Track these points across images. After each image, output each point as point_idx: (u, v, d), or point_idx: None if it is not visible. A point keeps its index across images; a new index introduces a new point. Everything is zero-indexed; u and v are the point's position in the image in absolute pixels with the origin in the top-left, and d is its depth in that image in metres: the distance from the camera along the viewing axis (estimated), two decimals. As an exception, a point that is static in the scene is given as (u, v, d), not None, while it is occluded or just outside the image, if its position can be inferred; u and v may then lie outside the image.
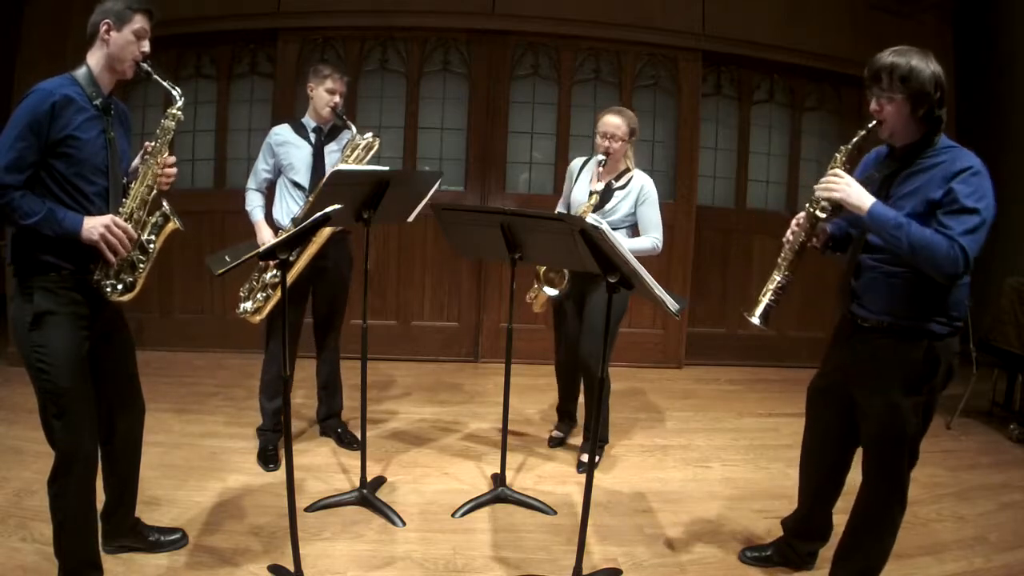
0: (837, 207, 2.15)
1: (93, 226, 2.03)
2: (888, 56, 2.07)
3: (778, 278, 2.26)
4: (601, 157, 3.18)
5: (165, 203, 2.24)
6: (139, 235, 2.18)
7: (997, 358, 4.36)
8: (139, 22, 2.14)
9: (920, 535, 2.91)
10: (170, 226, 2.24)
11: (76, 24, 4.62)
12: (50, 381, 2.06)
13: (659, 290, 2.15)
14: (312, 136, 3.34)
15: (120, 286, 2.16)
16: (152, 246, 2.22)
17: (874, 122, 2.13)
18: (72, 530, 2.16)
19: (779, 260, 2.28)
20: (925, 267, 1.99)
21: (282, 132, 3.35)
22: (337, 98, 3.29)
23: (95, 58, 2.15)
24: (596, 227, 2.08)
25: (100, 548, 2.31)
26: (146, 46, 2.18)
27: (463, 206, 3.84)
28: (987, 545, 2.86)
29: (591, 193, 3.25)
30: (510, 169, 5.24)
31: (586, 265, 2.33)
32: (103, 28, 2.11)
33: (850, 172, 2.18)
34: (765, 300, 2.25)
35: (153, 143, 2.22)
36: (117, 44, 2.12)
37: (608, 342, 2.46)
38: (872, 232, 2.12)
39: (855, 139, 2.18)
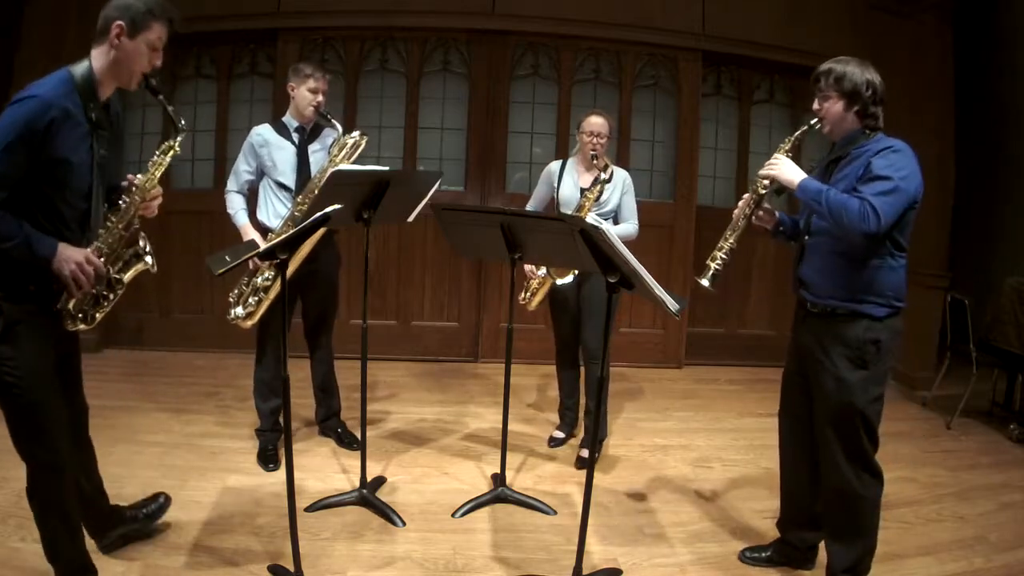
0: (780, 187, 2.40)
1: (66, 259, 1.89)
2: (828, 63, 2.35)
3: (725, 246, 2.47)
4: (593, 153, 3.36)
5: (142, 240, 2.11)
6: (109, 271, 2.04)
7: (997, 358, 4.36)
8: (156, 31, 1.93)
9: (920, 535, 2.92)
10: (140, 265, 2.10)
11: (75, 24, 4.64)
12: (22, 396, 1.93)
13: (659, 290, 2.16)
14: (295, 136, 3.30)
15: (79, 315, 2.05)
16: (120, 284, 2.10)
17: (815, 119, 2.40)
18: (60, 540, 2.14)
19: (727, 231, 2.49)
20: (843, 228, 2.18)
21: (263, 133, 3.30)
22: (320, 97, 3.25)
23: (99, 60, 1.94)
24: (596, 227, 2.08)
25: (97, 549, 2.31)
26: (159, 59, 1.97)
27: (463, 206, 3.85)
28: (987, 545, 2.86)
29: (586, 190, 3.39)
30: (510, 169, 5.25)
31: (586, 265, 2.34)
32: (114, 31, 1.89)
33: (795, 159, 2.44)
34: (713, 265, 2.46)
35: (141, 176, 2.06)
36: (126, 52, 1.91)
37: (608, 338, 2.54)
38: (804, 203, 2.34)
39: (798, 132, 2.48)
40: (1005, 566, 2.71)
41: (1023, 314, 4.22)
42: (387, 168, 3.27)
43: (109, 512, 2.43)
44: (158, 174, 2.07)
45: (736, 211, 2.50)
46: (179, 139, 2.10)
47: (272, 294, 3.15)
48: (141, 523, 2.49)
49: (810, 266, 2.39)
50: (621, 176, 3.48)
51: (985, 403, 4.58)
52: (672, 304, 2.19)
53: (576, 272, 3.37)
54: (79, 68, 1.93)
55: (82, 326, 2.07)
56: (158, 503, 2.55)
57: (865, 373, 2.28)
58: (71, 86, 1.89)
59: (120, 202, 2.08)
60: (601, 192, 3.37)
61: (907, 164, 2.21)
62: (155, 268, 2.12)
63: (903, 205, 2.18)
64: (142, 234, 2.11)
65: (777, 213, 2.55)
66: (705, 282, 2.46)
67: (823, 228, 2.32)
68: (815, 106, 2.39)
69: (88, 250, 1.97)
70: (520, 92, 5.20)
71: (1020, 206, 5.48)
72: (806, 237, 2.41)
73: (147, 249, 2.10)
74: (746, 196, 2.49)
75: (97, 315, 2.07)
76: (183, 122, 2.11)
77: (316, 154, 3.32)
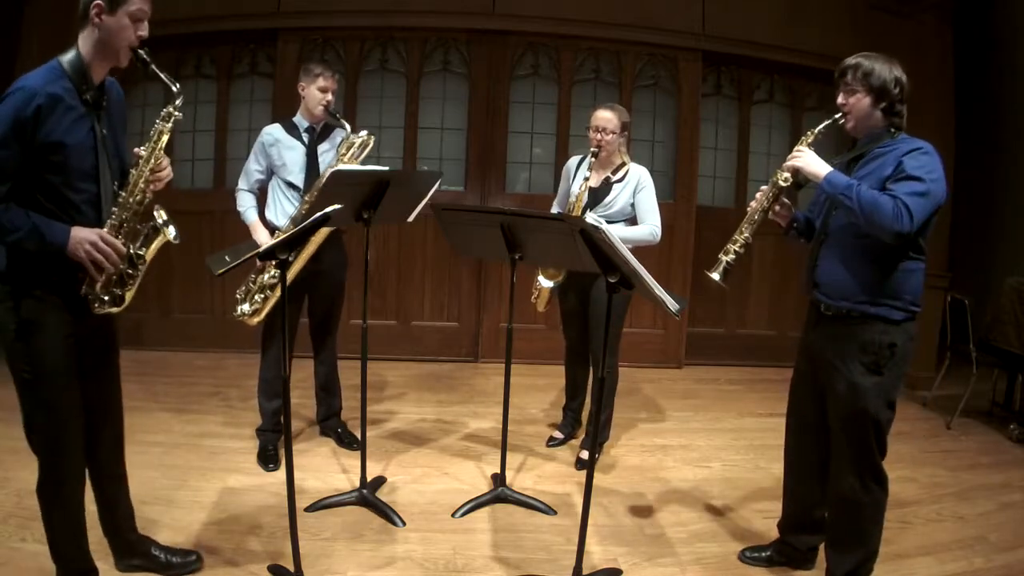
0: (802, 179, 2.34)
1: (79, 242, 1.88)
2: (855, 57, 2.29)
3: (740, 239, 2.39)
4: (595, 149, 3.27)
5: (160, 212, 2.07)
6: (129, 248, 2.02)
7: (997, 358, 4.36)
8: (136, 3, 1.91)
9: (920, 535, 2.92)
10: (160, 239, 2.06)
11: (76, 24, 4.65)
12: (36, 393, 1.96)
13: (659, 290, 2.15)
14: (305, 136, 3.31)
15: (107, 297, 2.02)
16: (142, 260, 2.07)
17: (840, 114, 2.32)
18: (64, 540, 2.14)
19: (742, 224, 2.41)
20: (874, 226, 2.12)
21: (273, 132, 3.31)
22: (329, 96, 3.26)
23: (86, 43, 1.94)
24: (596, 227, 2.08)
25: (110, 555, 2.30)
26: (144, 29, 1.95)
27: (463, 206, 3.85)
28: (987, 545, 2.86)
29: (594, 188, 3.33)
30: (510, 169, 5.25)
31: (586, 265, 2.34)
32: (93, 11, 1.90)
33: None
34: (725, 259, 2.39)
35: (144, 147, 2.05)
36: (109, 29, 1.91)
37: (611, 339, 2.51)
38: (829, 194, 2.27)
39: (821, 125, 2.36)
40: (1005, 566, 2.71)
41: (1023, 314, 4.22)
42: (387, 168, 3.28)
43: (131, 540, 2.38)
44: (162, 142, 2.04)
45: (753, 204, 2.43)
46: (177, 103, 2.05)
47: (278, 292, 3.16)
48: (160, 567, 2.39)
49: (826, 267, 2.33)
50: (635, 175, 3.33)
51: (985, 403, 4.58)
52: (672, 304, 2.19)
53: (555, 282, 3.35)
54: (67, 55, 1.94)
55: (113, 309, 2.04)
56: (188, 559, 2.43)
57: (879, 379, 2.24)
58: (60, 73, 1.91)
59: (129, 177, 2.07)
60: (604, 193, 3.31)
61: (936, 167, 2.17)
62: (177, 239, 2.08)
63: (932, 208, 2.14)
64: (157, 207, 2.08)
65: (793, 210, 2.49)
66: (716, 275, 2.36)
67: (841, 228, 2.28)
68: (840, 100, 2.31)
69: (102, 229, 1.96)
70: (520, 92, 5.20)
71: (1020, 206, 5.48)
72: (823, 237, 2.35)
73: (165, 220, 2.06)
74: (764, 188, 2.42)
75: (126, 295, 2.05)
76: (178, 86, 2.07)
77: (325, 154, 3.33)
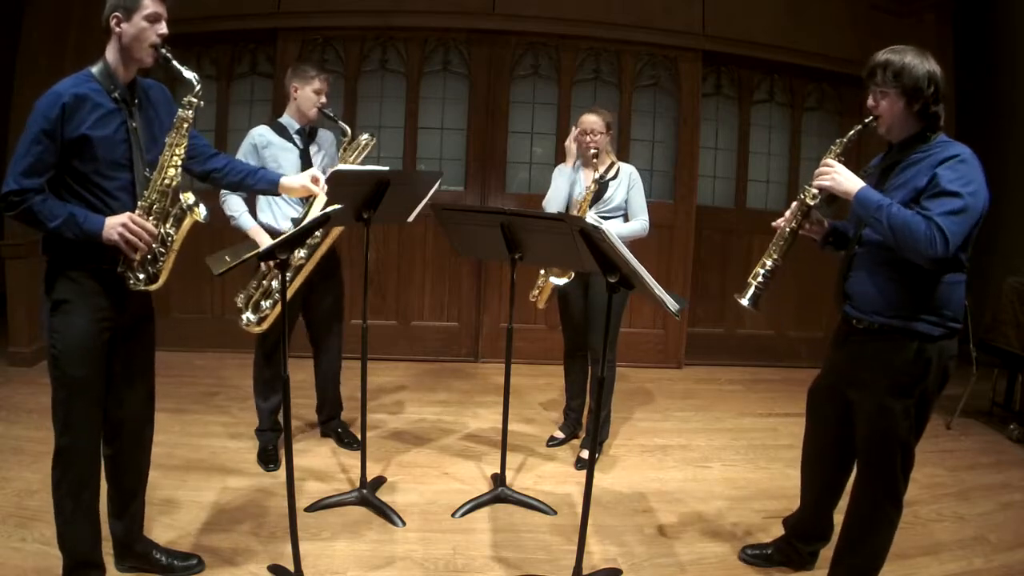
0: (829, 196, 2.21)
1: (112, 227, 2.03)
2: (884, 54, 2.13)
3: (768, 263, 2.30)
4: (595, 150, 3.33)
5: (188, 195, 2.15)
6: (160, 228, 2.13)
7: (997, 358, 4.36)
8: (150, 6, 2.09)
9: (920, 535, 2.92)
10: (188, 219, 2.13)
11: (76, 24, 4.64)
12: (59, 368, 2.09)
13: (659, 290, 2.15)
14: (297, 138, 3.30)
15: (142, 275, 2.14)
16: (172, 239, 2.15)
17: (871, 117, 2.18)
18: (70, 523, 2.15)
19: (770, 245, 2.32)
20: (906, 250, 2.01)
21: (265, 134, 3.27)
22: (323, 98, 3.27)
23: (111, 52, 2.12)
24: (596, 227, 2.08)
25: (103, 548, 2.29)
26: (163, 28, 2.12)
27: (463, 206, 3.85)
28: (987, 545, 2.86)
29: (587, 187, 3.38)
30: (510, 169, 5.24)
31: (586, 265, 2.34)
32: (113, 22, 2.08)
33: (845, 163, 2.23)
34: (755, 283, 2.32)
35: (171, 133, 2.17)
36: (129, 35, 2.08)
37: (611, 337, 2.51)
38: (859, 216, 2.17)
39: (851, 132, 2.23)
40: (1005, 566, 2.71)
41: (1023, 314, 4.22)
42: (387, 168, 3.28)
43: (134, 542, 2.39)
44: (184, 128, 2.15)
45: (781, 222, 2.30)
46: (197, 90, 2.17)
47: (281, 292, 3.15)
48: (161, 568, 2.41)
49: (857, 279, 2.20)
50: (627, 171, 3.45)
51: (985, 403, 4.58)
52: (672, 304, 2.19)
53: (573, 274, 3.37)
54: (96, 64, 2.13)
55: (151, 286, 2.15)
56: (189, 563, 2.43)
57: (910, 400, 2.13)
58: (88, 77, 2.09)
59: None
60: (602, 191, 3.36)
61: (975, 176, 2.01)
62: (206, 218, 2.12)
63: (972, 224, 1.98)
64: (189, 191, 2.16)
65: (827, 222, 2.35)
66: (745, 302, 2.27)
67: (875, 238, 2.13)
68: (870, 102, 2.16)
69: (128, 213, 2.08)
70: (520, 92, 5.19)
71: (1020, 206, 5.48)
72: (856, 247, 2.22)
73: (195, 201, 2.13)
74: (793, 206, 2.28)
75: (160, 274, 2.15)
76: (196, 75, 2.19)
77: (315, 156, 3.33)
